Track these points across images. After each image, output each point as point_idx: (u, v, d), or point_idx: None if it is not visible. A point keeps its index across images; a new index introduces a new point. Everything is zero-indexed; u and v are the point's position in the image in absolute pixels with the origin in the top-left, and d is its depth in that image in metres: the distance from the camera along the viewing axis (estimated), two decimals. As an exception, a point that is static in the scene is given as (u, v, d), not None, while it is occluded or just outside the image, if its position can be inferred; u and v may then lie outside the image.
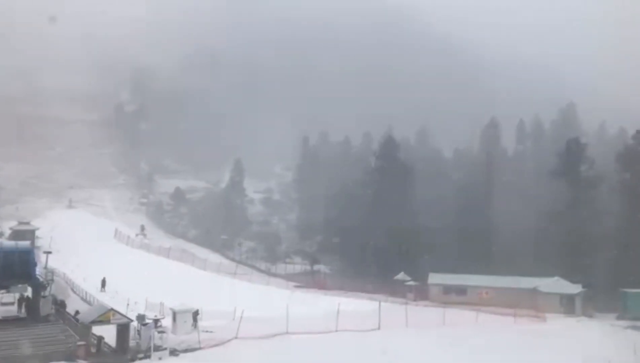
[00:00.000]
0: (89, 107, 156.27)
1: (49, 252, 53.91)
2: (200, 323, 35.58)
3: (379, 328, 39.03)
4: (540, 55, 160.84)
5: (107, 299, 44.88)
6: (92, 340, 30.40)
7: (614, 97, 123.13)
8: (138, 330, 32.00)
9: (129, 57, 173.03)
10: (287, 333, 35.22)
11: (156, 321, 32.35)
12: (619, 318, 52.64)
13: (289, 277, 78.93)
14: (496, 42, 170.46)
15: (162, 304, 40.28)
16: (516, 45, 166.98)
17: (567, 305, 55.95)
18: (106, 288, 53.04)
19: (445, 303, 53.87)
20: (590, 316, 54.20)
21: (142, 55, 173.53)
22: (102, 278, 53.96)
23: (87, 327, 30.43)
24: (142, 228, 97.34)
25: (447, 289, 61.81)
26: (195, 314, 36.82)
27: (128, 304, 38.90)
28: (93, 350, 29.80)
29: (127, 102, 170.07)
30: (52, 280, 40.53)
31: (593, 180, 68.70)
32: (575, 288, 57.10)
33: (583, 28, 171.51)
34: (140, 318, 32.64)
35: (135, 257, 74.26)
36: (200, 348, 32.16)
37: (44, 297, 35.18)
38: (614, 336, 41.17)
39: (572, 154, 71.15)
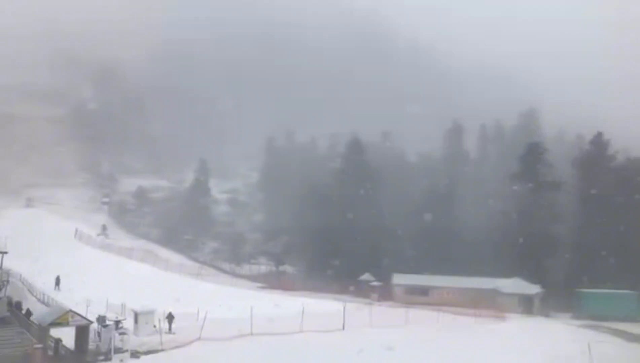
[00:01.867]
0: (49, 103, 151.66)
1: (5, 252, 52.06)
2: (162, 325, 35.13)
3: (343, 328, 39.29)
4: (503, 60, 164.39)
5: (62, 297, 43.97)
6: (50, 342, 29.65)
7: (573, 103, 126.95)
8: (98, 332, 31.43)
9: (92, 52, 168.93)
10: (251, 334, 35.10)
11: (117, 322, 31.82)
12: (574, 317, 54.44)
13: (253, 278, 78.71)
14: (461, 47, 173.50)
15: (123, 305, 39.56)
16: (480, 50, 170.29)
17: (526, 305, 57.54)
18: (60, 286, 52.19)
19: (409, 304, 54.58)
20: (547, 315, 55.89)
21: (106, 51, 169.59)
22: (56, 276, 53.04)
23: (44, 329, 29.65)
24: (104, 228, 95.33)
25: (411, 290, 62.71)
26: (171, 317, 36.24)
27: (88, 305, 38.03)
28: (50, 353, 29.08)
29: (90, 99, 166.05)
30: (7, 281, 39.41)
31: (551, 184, 70.73)
32: (533, 289, 58.77)
33: (546, 33, 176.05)
34: (101, 319, 32.05)
35: (96, 258, 72.66)
36: (162, 350, 31.77)
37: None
38: (569, 334, 42.47)
39: (531, 158, 73.09)
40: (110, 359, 29.16)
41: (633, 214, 62.96)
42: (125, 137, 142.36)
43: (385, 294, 62.85)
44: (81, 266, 62.87)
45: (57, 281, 52.77)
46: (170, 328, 35.76)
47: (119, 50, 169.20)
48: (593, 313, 53.32)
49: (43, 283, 52.57)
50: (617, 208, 63.68)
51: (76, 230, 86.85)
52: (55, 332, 29.80)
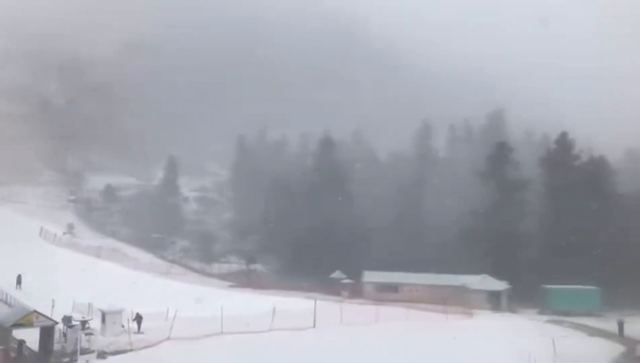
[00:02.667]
0: (11, 99, 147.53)
1: (-35, 252, 50.78)
2: (131, 325, 34.64)
3: (314, 326, 39.39)
4: (473, 61, 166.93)
5: (26, 298, 42.92)
6: (12, 344, 28.88)
7: (539, 103, 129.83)
8: (64, 333, 30.75)
9: (58, 47, 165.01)
10: (221, 333, 34.91)
11: (84, 323, 31.23)
12: (540, 313, 55.77)
13: (224, 277, 78.12)
14: (431, 48, 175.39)
15: (90, 305, 38.82)
16: (450, 51, 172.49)
17: (493, 301, 58.68)
18: (22, 285, 51.12)
19: (379, 301, 55.11)
20: (514, 311, 57.11)
21: (72, 46, 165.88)
22: (17, 275, 51.94)
23: (6, 331, 28.85)
24: (70, 226, 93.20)
25: (381, 287, 63.27)
26: (139, 318, 35.72)
27: (53, 305, 37.18)
28: (13, 355, 28.33)
29: (55, 95, 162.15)
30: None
31: (518, 182, 72.23)
32: (500, 285, 59.96)
33: (513, 34, 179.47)
34: (66, 320, 31.39)
35: (62, 257, 70.98)
36: (130, 350, 31.32)
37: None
38: (534, 330, 43.48)
39: (498, 158, 74.52)
40: (76, 360, 28.59)
41: (597, 212, 64.74)
42: (92, 134, 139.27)
43: (356, 292, 63.26)
44: (46, 265, 61.37)
45: (19, 280, 51.71)
46: (139, 329, 35.25)
47: (86, 45, 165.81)
48: (558, 309, 54.79)
49: (5, 283, 51.23)
50: (582, 206, 65.32)
51: (41, 229, 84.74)
52: (19, 333, 29.02)
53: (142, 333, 34.84)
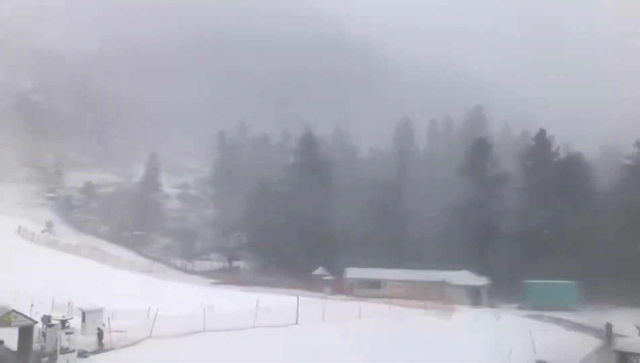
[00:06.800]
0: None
1: (-59, 251, 49.89)
2: (113, 323, 34.30)
3: (297, 322, 39.51)
4: (453, 57, 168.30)
5: (3, 297, 42.25)
6: (-9, 344, 28.48)
7: (518, 100, 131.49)
8: (43, 332, 30.37)
9: (35, 41, 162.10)
10: (204, 330, 34.83)
11: (63, 322, 30.83)
12: (519, 307, 56.65)
13: (206, 274, 77.91)
14: (412, 43, 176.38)
15: (70, 304, 38.39)
16: (431, 46, 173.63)
17: (474, 296, 59.55)
18: None
19: (361, 297, 55.48)
20: (494, 306, 57.89)
21: (49, 39, 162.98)
22: None
23: (-16, 331, 28.45)
24: (49, 224, 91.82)
25: (363, 283, 63.72)
26: (101, 332, 32.67)
27: (32, 304, 36.71)
28: (-8, 354, 27.96)
29: (32, 90, 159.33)
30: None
31: (497, 178, 73.24)
32: (480, 281, 60.81)
33: (494, 30, 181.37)
34: (46, 319, 30.95)
35: (41, 255, 69.94)
36: (111, 349, 31.09)
37: None
38: (514, 324, 44.17)
39: (477, 154, 75.37)
40: (55, 359, 28.27)
41: (575, 207, 65.87)
42: (71, 130, 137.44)
43: (338, 288, 63.61)
44: (24, 264, 60.49)
45: None
46: (99, 343, 32.10)
47: (63, 39, 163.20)
48: (536, 303, 55.74)
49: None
50: (560, 202, 66.43)
51: (19, 227, 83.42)
52: (-4, 333, 28.62)
53: (121, 331, 34.35)
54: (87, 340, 31.86)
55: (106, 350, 30.87)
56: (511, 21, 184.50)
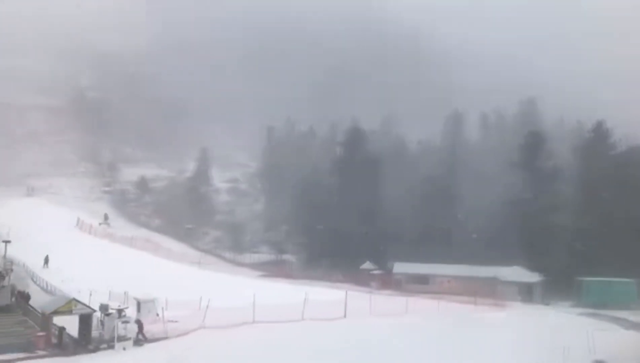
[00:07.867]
0: (46, 92, 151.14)
1: (8, 241, 52.43)
2: (166, 313, 35.35)
3: (345, 316, 39.58)
4: (504, 47, 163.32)
5: (64, 286, 44.52)
6: (53, 330, 29.92)
7: (573, 90, 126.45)
8: (101, 320, 31.66)
9: (91, 40, 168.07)
10: (253, 322, 35.39)
11: (120, 311, 32.02)
12: (573, 305, 54.76)
13: (255, 267, 79.06)
14: (462, 34, 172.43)
15: (126, 294, 39.84)
16: (481, 36, 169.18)
17: (525, 293, 57.92)
18: (49, 264, 54.69)
19: (409, 292, 54.97)
20: (547, 304, 56.20)
21: (105, 38, 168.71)
22: (45, 255, 55.14)
23: (47, 318, 29.93)
24: (106, 217, 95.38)
25: (411, 278, 63.13)
26: (141, 324, 31.92)
27: (91, 294, 38.30)
28: (54, 340, 29.36)
29: (89, 87, 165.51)
30: (11, 269, 39.62)
31: (551, 171, 70.77)
32: (533, 277, 59.12)
33: (546, 21, 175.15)
34: (103, 308, 32.26)
35: (99, 246, 72.89)
36: (166, 338, 32.05)
37: (3, 286, 34.41)
38: (568, 323, 42.76)
39: (531, 147, 73.07)
40: (113, 347, 29.43)
41: (633, 202, 63.03)
42: (126, 126, 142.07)
43: (386, 283, 63.23)
44: (83, 255, 63.17)
45: (46, 260, 54.83)
46: (138, 335, 31.68)
47: (119, 37, 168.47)
48: (593, 302, 53.67)
49: (47, 274, 52.94)
50: (617, 197, 63.72)
51: (78, 219, 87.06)
52: (58, 320, 30.04)
53: (174, 321, 35.27)
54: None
55: (160, 339, 31.82)
56: (563, 9, 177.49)
